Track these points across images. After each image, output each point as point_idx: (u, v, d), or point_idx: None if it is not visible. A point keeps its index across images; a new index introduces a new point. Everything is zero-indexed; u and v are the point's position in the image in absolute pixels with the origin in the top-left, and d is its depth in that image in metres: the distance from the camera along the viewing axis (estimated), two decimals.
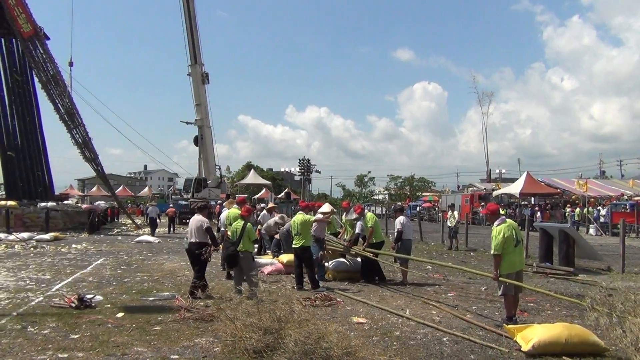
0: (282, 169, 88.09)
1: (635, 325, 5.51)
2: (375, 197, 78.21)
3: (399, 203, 42.00)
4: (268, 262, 13.17)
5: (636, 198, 33.85)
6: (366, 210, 12.92)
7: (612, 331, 5.83)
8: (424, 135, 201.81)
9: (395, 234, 11.79)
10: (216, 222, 16.58)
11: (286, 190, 60.13)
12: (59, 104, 28.76)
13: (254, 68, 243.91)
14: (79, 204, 38.25)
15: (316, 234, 11.39)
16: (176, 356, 6.05)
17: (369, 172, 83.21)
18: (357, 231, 11.74)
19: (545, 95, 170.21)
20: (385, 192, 78.13)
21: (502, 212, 31.56)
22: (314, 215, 11.56)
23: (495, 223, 7.87)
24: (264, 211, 16.35)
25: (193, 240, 9.81)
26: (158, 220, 28.36)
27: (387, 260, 12.31)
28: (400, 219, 11.86)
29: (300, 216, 11.05)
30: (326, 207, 12.65)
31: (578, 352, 6.09)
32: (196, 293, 9.37)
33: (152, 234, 25.56)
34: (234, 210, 11.70)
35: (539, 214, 32.51)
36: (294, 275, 11.04)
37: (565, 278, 12.58)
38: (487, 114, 67.60)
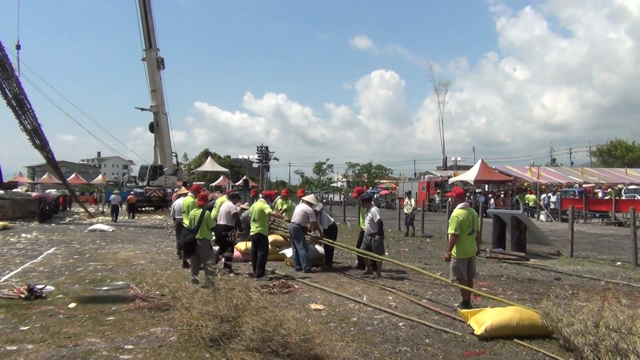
0: (240, 157, 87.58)
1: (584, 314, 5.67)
2: (334, 184, 78.36)
3: (367, 190, 41.79)
4: None
5: (585, 185, 35.10)
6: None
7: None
8: (382, 123, 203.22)
9: (377, 224, 10.73)
10: (170, 209, 16.25)
11: (244, 177, 59.75)
12: (6, 89, 27.61)
13: (211, 54, 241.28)
14: (29, 192, 36.98)
15: (300, 222, 11.48)
16: (131, 346, 5.94)
17: (328, 160, 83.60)
18: (327, 224, 12.20)
19: (499, 85, 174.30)
20: (344, 179, 78.40)
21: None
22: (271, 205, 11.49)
23: (458, 206, 8.08)
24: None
25: (221, 222, 11.03)
26: (120, 208, 29.28)
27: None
28: (376, 208, 11.17)
29: (259, 204, 11.00)
30: (311, 198, 12.38)
31: (528, 334, 6.29)
32: (230, 264, 10.94)
33: (115, 220, 26.96)
34: (190, 198, 11.52)
35: (492, 200, 33.30)
36: (251, 263, 11.01)
37: (517, 263, 12.95)
38: (443, 102, 68.52)
